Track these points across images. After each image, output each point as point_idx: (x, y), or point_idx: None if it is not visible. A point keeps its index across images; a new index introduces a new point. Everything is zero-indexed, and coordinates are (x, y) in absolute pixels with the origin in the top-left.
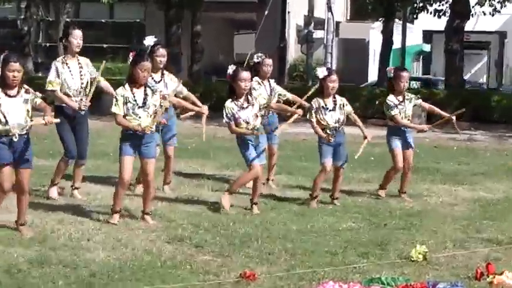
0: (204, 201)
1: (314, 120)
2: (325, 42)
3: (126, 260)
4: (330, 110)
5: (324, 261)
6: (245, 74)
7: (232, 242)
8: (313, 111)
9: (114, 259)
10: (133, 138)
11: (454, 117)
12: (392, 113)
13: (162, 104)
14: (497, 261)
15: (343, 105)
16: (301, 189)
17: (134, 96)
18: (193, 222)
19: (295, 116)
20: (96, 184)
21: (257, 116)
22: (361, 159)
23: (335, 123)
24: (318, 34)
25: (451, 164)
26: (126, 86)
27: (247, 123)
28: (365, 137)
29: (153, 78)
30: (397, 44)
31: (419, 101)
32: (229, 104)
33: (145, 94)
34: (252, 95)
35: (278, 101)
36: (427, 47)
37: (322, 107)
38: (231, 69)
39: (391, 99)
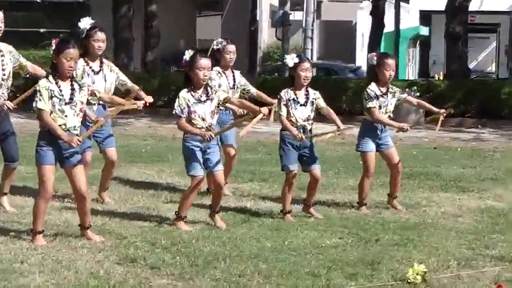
0: (161, 214)
1: (284, 113)
2: (304, 25)
3: (68, 285)
4: (300, 105)
5: (304, 285)
6: (204, 62)
7: (195, 263)
8: (282, 103)
9: (54, 284)
10: (55, 141)
11: (443, 113)
12: (369, 104)
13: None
14: (509, 282)
15: (315, 100)
16: (277, 199)
17: (60, 91)
18: (148, 239)
19: (260, 116)
20: (30, 195)
21: (215, 113)
22: (348, 163)
23: (304, 121)
24: (296, 16)
25: (454, 167)
26: (50, 78)
27: (203, 120)
28: (338, 126)
29: (91, 67)
30: (389, 27)
31: (404, 95)
32: (184, 94)
33: (72, 89)
34: (212, 87)
35: (241, 97)
36: (424, 30)
37: (293, 99)
38: (188, 54)
39: (373, 88)
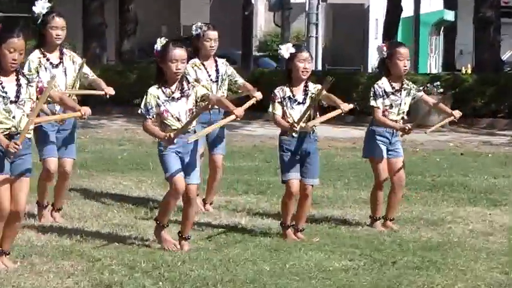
0: (141, 232)
1: (279, 112)
2: (307, 8)
3: None
4: (298, 103)
5: None
6: (178, 52)
7: None
8: (277, 101)
9: None
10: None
11: (455, 115)
12: (372, 103)
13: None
14: None
15: (315, 94)
16: (276, 215)
17: (3, 87)
18: (125, 261)
19: (252, 101)
20: None
21: (192, 113)
22: (359, 172)
23: (304, 121)
24: None
25: (484, 177)
26: None
27: (178, 120)
28: (338, 107)
29: (48, 60)
30: (408, 11)
31: (421, 93)
32: (154, 90)
33: (18, 85)
34: (189, 82)
35: (230, 89)
36: (450, 15)
37: (289, 97)
38: (159, 43)
39: (382, 84)
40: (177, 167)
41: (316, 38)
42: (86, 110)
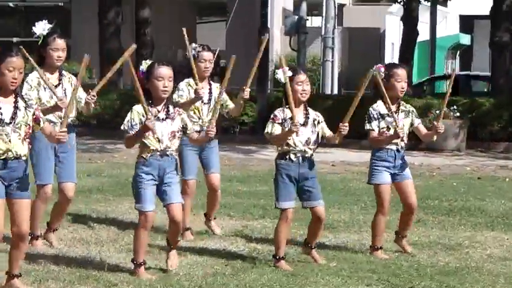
0: (158, 256)
1: (278, 131)
2: (323, 33)
3: None
4: (300, 125)
5: None
6: (163, 70)
7: None
8: (277, 122)
9: None
10: (2, 169)
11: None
12: (367, 126)
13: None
14: None
15: (318, 123)
16: (292, 240)
17: (0, 108)
18: (142, 286)
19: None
20: None
21: (175, 135)
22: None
23: (304, 144)
24: (314, 22)
25: (502, 202)
26: None
27: (159, 141)
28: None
29: (48, 80)
30: (424, 35)
31: (418, 121)
32: (139, 108)
33: (16, 107)
34: (175, 106)
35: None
36: (465, 39)
37: (290, 118)
38: (145, 64)
39: (377, 107)
40: (149, 198)
41: (332, 62)
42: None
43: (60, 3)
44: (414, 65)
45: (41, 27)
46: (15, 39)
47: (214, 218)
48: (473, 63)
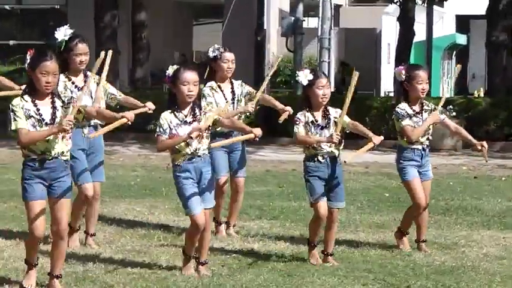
0: (154, 258)
1: (302, 133)
2: (319, 33)
3: None
4: (322, 128)
5: None
6: (189, 75)
7: None
8: (301, 124)
9: None
10: (41, 169)
11: (482, 148)
12: (403, 123)
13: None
14: None
15: (338, 120)
16: (289, 240)
17: (38, 110)
18: (139, 287)
19: (284, 115)
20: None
21: (203, 136)
22: (372, 196)
23: (330, 146)
24: (310, 23)
25: (499, 201)
26: (26, 96)
27: (188, 145)
28: (370, 140)
29: (74, 83)
30: (420, 35)
31: (443, 116)
32: (167, 115)
33: (54, 107)
34: (200, 107)
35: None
36: (462, 39)
37: (312, 122)
38: (171, 69)
39: (403, 107)
40: (196, 199)
41: (329, 62)
42: (129, 114)
43: (56, 6)
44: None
45: (63, 33)
46: (11, 42)
47: (234, 226)
48: (469, 63)
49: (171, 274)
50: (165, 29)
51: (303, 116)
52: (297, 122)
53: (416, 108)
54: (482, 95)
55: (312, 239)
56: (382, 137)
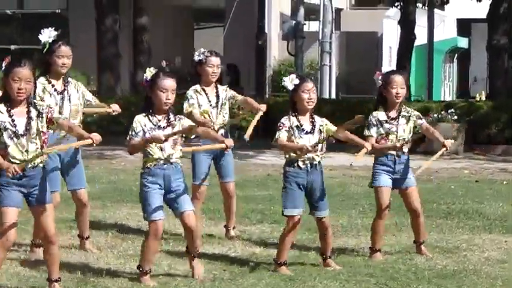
0: (156, 263)
1: (284, 138)
2: (320, 37)
3: None
4: (306, 132)
5: None
6: (168, 82)
7: None
8: (284, 129)
9: None
10: (21, 178)
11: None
12: (366, 132)
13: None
14: None
15: (324, 127)
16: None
17: (13, 121)
18: None
19: (258, 115)
20: None
21: (177, 142)
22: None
23: (312, 151)
24: (311, 26)
25: (500, 204)
26: (1, 107)
27: (161, 150)
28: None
29: (53, 86)
30: (421, 38)
31: (422, 121)
32: (140, 118)
33: (29, 117)
34: (175, 113)
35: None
36: (463, 42)
37: (297, 126)
38: (149, 72)
39: (376, 114)
40: (157, 205)
41: (330, 66)
42: (96, 137)
43: (57, 11)
44: (412, 69)
45: (47, 35)
46: (12, 47)
47: (234, 228)
48: (471, 67)
49: (172, 279)
50: (166, 33)
51: (287, 121)
52: (280, 127)
53: (393, 114)
54: (483, 98)
55: (281, 256)
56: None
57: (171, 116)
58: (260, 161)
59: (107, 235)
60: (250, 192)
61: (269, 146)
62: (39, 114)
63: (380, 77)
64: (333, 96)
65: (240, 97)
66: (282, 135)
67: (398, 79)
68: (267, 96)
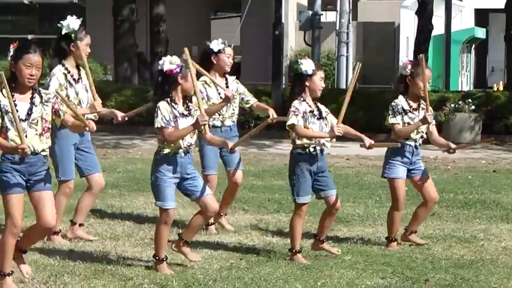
0: (173, 251)
1: (300, 123)
2: (337, 27)
3: None
4: (318, 118)
5: None
6: (185, 72)
7: None
8: (299, 115)
9: None
10: (20, 163)
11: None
12: (392, 120)
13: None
14: None
15: (328, 115)
16: (306, 234)
17: (15, 106)
18: (157, 280)
19: (264, 123)
20: None
21: (195, 132)
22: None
23: (330, 140)
24: (328, 17)
25: None
26: (4, 91)
27: (183, 139)
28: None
29: (72, 76)
30: (438, 29)
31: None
32: (166, 105)
33: (32, 103)
34: (191, 101)
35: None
36: (481, 32)
37: (311, 111)
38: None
39: (399, 101)
40: (170, 196)
41: (347, 56)
42: (91, 124)
43: (74, 1)
44: (429, 59)
45: (73, 22)
46: (30, 36)
47: (225, 214)
48: (488, 57)
49: (189, 267)
50: (183, 22)
51: (300, 105)
52: (296, 113)
53: (414, 104)
54: (501, 88)
55: (296, 244)
56: (372, 141)
57: (190, 105)
58: (277, 150)
59: (124, 224)
60: (267, 181)
61: (286, 135)
62: (45, 101)
63: (409, 66)
64: None
65: (252, 99)
66: (300, 122)
67: (429, 73)
68: (283, 86)
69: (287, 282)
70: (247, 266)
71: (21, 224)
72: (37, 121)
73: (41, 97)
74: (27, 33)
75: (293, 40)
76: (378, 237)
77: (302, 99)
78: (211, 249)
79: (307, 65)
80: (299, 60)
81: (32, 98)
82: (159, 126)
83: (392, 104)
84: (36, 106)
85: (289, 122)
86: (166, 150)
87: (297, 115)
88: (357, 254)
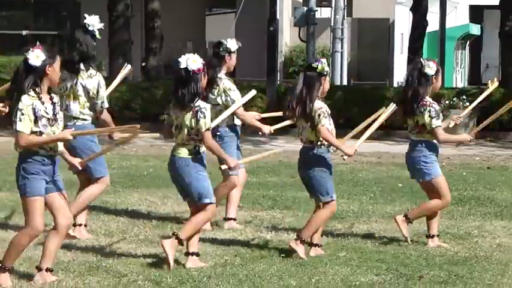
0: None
1: (330, 126)
2: (332, 24)
3: None
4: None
5: None
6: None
7: None
8: (328, 117)
9: None
10: (44, 166)
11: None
12: (437, 123)
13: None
14: None
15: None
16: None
17: (46, 108)
18: (151, 277)
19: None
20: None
21: None
22: (385, 186)
23: None
24: (323, 13)
25: (511, 191)
26: (32, 92)
27: None
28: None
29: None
30: (433, 25)
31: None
32: (207, 105)
33: (53, 103)
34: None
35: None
36: (475, 29)
37: (329, 114)
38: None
39: (433, 102)
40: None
41: (342, 53)
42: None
43: None
44: (423, 56)
45: (96, 20)
46: (24, 32)
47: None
48: (482, 53)
49: (184, 263)
50: (177, 18)
51: (325, 107)
52: (326, 115)
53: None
54: (495, 85)
55: (312, 235)
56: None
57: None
58: (272, 147)
59: (118, 220)
60: (262, 178)
61: (282, 133)
62: (57, 101)
63: (435, 67)
64: (345, 82)
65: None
66: (329, 125)
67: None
68: (278, 82)
69: (281, 278)
70: (241, 262)
71: (42, 229)
72: (59, 121)
73: (56, 96)
74: (22, 28)
75: (288, 36)
76: (372, 233)
77: (321, 99)
78: (205, 245)
79: (326, 64)
80: (320, 59)
81: (51, 98)
82: (207, 128)
83: (434, 106)
84: (57, 105)
85: (321, 123)
86: (202, 149)
87: (326, 116)
88: (352, 250)
